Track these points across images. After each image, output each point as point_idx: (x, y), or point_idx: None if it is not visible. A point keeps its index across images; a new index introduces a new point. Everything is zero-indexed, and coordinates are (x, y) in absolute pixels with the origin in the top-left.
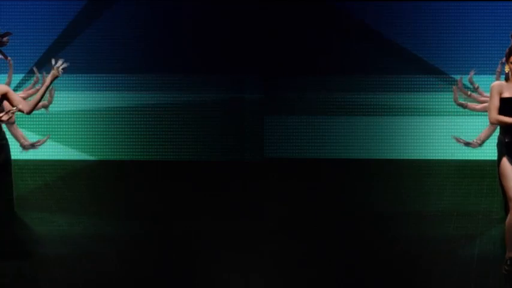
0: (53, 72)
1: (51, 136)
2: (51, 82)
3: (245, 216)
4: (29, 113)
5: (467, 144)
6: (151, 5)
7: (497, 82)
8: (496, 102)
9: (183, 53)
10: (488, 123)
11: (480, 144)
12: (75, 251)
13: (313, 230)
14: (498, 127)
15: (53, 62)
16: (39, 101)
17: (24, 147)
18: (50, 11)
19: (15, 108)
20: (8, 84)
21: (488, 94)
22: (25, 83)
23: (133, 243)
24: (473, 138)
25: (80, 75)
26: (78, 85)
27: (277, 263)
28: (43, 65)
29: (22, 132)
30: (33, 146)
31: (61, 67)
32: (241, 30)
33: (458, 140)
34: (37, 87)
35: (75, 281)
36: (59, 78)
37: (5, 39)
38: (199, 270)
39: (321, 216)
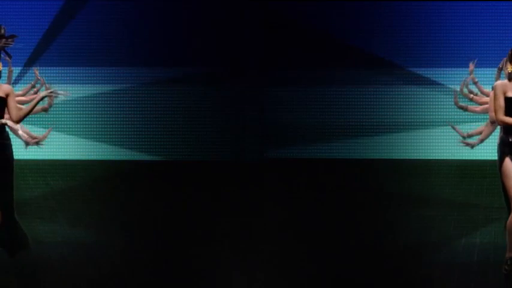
0: (45, 92)
1: (51, 136)
2: (41, 99)
3: (245, 216)
4: (17, 123)
5: (466, 143)
6: None
7: (499, 82)
8: (501, 103)
9: (183, 54)
10: (486, 122)
11: (478, 144)
12: (76, 251)
13: (314, 230)
14: (498, 126)
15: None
16: (29, 113)
17: (28, 143)
18: (36, 10)
19: (3, 120)
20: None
21: (487, 97)
22: (21, 78)
23: (134, 243)
24: (471, 138)
25: (80, 69)
26: (75, 79)
27: (277, 263)
28: (35, 59)
29: (25, 128)
30: (37, 143)
31: (56, 95)
32: (241, 28)
33: (456, 130)
34: (37, 86)
35: (76, 281)
36: (57, 71)
37: (9, 40)
38: (199, 270)
39: (321, 216)
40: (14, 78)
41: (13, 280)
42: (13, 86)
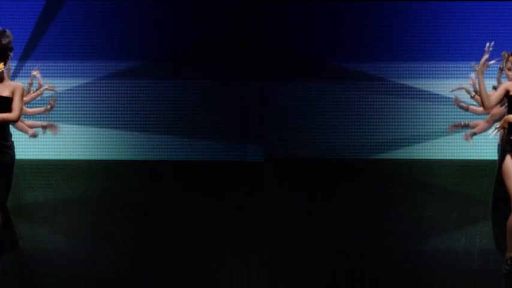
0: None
1: (52, 136)
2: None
3: (246, 216)
4: (16, 122)
5: (458, 124)
6: None
7: (507, 83)
8: (496, 94)
9: (183, 51)
10: (485, 118)
11: (470, 135)
12: (77, 251)
13: (314, 230)
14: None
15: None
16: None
17: (32, 134)
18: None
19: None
20: None
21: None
22: (19, 72)
23: (135, 243)
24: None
25: (82, 64)
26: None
27: (278, 263)
28: (29, 53)
29: (25, 121)
30: (43, 128)
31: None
32: (241, 30)
33: (456, 126)
34: (38, 89)
35: (77, 281)
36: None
37: (4, 41)
38: (200, 270)
39: (322, 216)
40: (13, 69)
41: (15, 279)
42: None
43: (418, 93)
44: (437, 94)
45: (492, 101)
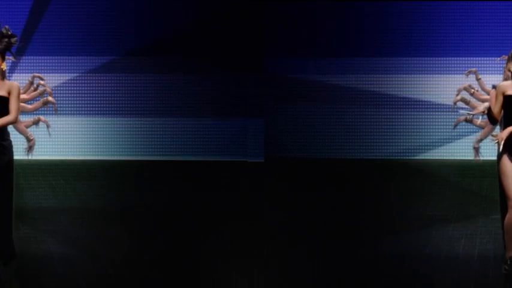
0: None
1: (52, 136)
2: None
3: (246, 216)
4: (15, 122)
5: (468, 119)
6: None
7: (502, 83)
8: (498, 101)
9: (187, 55)
10: (486, 120)
11: (476, 141)
12: (77, 251)
13: (314, 229)
14: (498, 125)
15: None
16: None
17: (29, 136)
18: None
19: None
20: None
21: (487, 95)
22: (15, 68)
23: (135, 243)
24: (472, 139)
25: (83, 60)
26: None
27: (278, 263)
28: (24, 50)
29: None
30: (36, 123)
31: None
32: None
33: (460, 120)
34: (38, 86)
35: (78, 281)
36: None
37: (13, 40)
38: (200, 270)
39: (322, 215)
40: (9, 66)
41: (15, 279)
42: (8, 79)
43: (417, 93)
44: (437, 93)
45: (498, 114)
